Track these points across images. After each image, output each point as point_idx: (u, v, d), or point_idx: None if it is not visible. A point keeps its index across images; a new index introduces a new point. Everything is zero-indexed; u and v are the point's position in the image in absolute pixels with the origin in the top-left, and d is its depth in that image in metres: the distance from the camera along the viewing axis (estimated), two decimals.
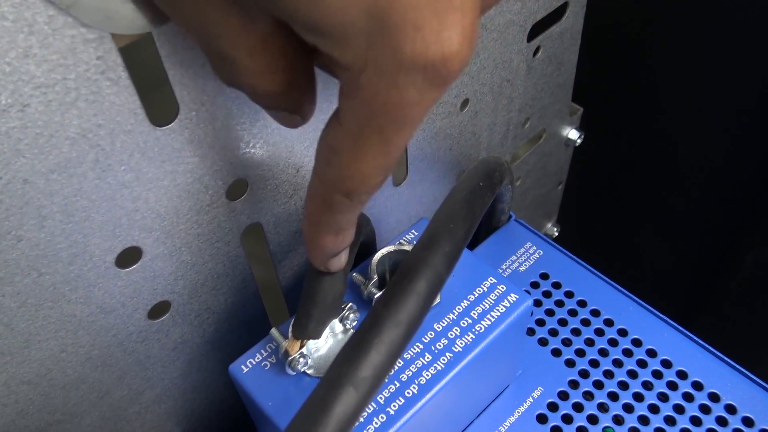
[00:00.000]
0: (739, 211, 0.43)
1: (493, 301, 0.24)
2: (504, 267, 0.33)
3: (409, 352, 0.23)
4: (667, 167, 0.45)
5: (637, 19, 0.40)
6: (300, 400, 0.22)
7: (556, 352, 0.30)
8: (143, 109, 0.17)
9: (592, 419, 0.27)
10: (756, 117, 0.39)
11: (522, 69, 0.32)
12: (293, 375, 0.22)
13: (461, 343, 0.23)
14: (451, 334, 0.23)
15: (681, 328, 0.30)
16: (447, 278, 0.18)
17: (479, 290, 0.24)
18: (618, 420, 0.27)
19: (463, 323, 0.23)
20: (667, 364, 0.29)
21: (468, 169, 0.23)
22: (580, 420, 0.27)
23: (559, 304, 0.32)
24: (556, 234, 0.49)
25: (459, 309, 0.24)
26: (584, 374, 0.29)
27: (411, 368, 0.22)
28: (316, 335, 0.22)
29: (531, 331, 0.30)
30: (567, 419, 0.28)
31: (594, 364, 0.29)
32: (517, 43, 0.30)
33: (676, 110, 0.42)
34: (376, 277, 0.24)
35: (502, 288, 0.24)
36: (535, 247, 0.34)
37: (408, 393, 0.22)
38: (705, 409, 0.27)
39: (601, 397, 0.28)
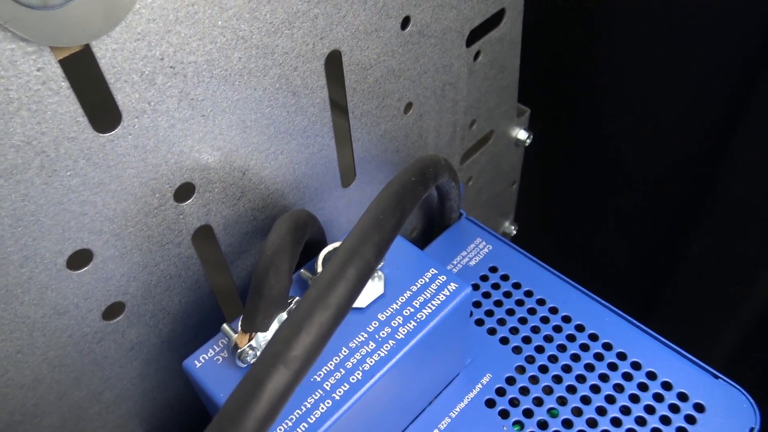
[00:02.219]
0: (686, 204, 0.45)
1: (434, 291, 0.25)
2: (455, 262, 0.35)
3: (354, 340, 0.24)
4: (617, 164, 0.47)
5: (578, 20, 0.43)
6: None
7: (504, 341, 0.31)
8: (86, 116, 0.19)
9: (538, 401, 0.29)
10: (696, 112, 0.41)
11: (464, 73, 0.33)
12: (244, 367, 0.23)
13: (403, 331, 0.24)
14: (394, 323, 0.24)
15: (621, 312, 0.32)
16: (376, 265, 0.19)
17: (421, 281, 0.26)
18: (562, 401, 0.29)
19: (406, 312, 0.25)
20: (607, 346, 0.31)
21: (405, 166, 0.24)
22: (526, 403, 0.29)
23: (507, 295, 0.33)
24: (514, 232, 0.51)
25: (402, 299, 0.25)
26: (530, 360, 0.30)
27: (356, 356, 0.24)
28: (264, 328, 0.23)
29: (480, 322, 0.32)
30: (514, 402, 0.29)
31: (539, 350, 0.31)
32: (456, 48, 0.31)
33: (621, 110, 0.44)
34: (320, 271, 0.25)
35: (443, 278, 0.26)
36: (484, 243, 0.36)
37: (353, 379, 0.23)
38: (643, 387, 0.29)
39: (546, 380, 0.30)
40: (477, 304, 0.33)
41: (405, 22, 0.27)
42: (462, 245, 0.35)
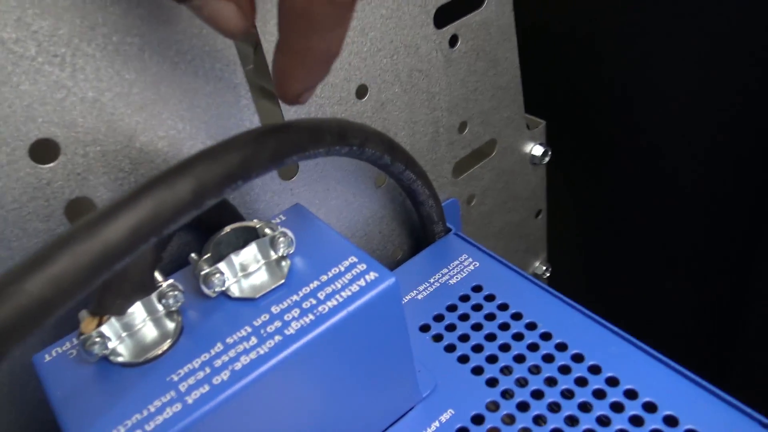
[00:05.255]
0: (752, 233, 0.37)
1: (346, 281, 0.20)
2: (432, 280, 0.29)
3: (234, 335, 0.19)
4: (668, 189, 0.40)
5: (596, 19, 0.37)
6: (95, 389, 0.18)
7: (477, 371, 0.25)
8: None
9: None
10: (755, 108, 0.34)
11: (437, 60, 0.29)
12: (95, 362, 0.19)
13: (296, 326, 0.19)
14: (288, 316, 0.19)
15: (635, 340, 0.24)
16: (192, 208, 0.15)
17: (335, 270, 0.20)
18: None
19: (306, 304, 0.19)
20: (613, 381, 0.23)
21: None
22: None
23: (490, 317, 0.27)
24: (548, 275, 0.43)
25: (306, 290, 0.20)
26: (508, 395, 0.24)
27: (229, 353, 0.18)
28: (116, 311, 0.18)
29: (450, 348, 0.26)
30: None
31: (521, 383, 0.24)
32: (421, 27, 0.27)
33: (666, 120, 0.38)
34: (210, 254, 0.20)
35: (362, 267, 0.20)
36: (470, 260, 0.30)
37: (216, 380, 0.18)
38: None
39: (524, 421, 0.22)
40: (450, 328, 0.26)
41: None
42: (444, 262, 0.30)
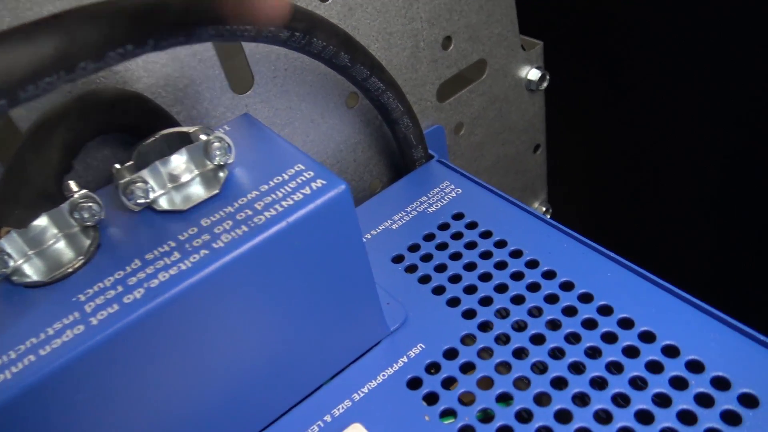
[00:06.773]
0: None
1: (289, 190, 0.17)
2: (408, 209, 0.26)
3: (154, 251, 0.16)
4: (683, 118, 0.36)
5: None
6: None
7: (453, 302, 0.22)
8: None
9: (485, 383, 0.19)
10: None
11: None
12: None
13: (226, 239, 0.16)
14: (219, 229, 0.16)
15: (628, 263, 0.21)
16: (82, 62, 0.12)
17: (277, 179, 0.18)
18: (522, 384, 0.19)
19: (240, 216, 0.17)
20: (607, 310, 0.20)
21: None
22: (467, 385, 0.19)
23: (471, 246, 0.24)
24: (548, 217, 0.40)
25: (242, 201, 0.17)
26: (485, 327, 0.21)
27: (147, 270, 0.16)
28: (16, 223, 0.16)
29: (425, 279, 0.23)
30: (449, 384, 0.19)
31: (502, 314, 0.21)
32: None
33: (671, 43, 0.34)
34: (133, 162, 0.18)
35: (309, 174, 0.18)
36: (452, 186, 0.27)
37: (127, 299, 0.15)
38: (680, 384, 0.18)
39: (503, 355, 0.20)
40: (426, 258, 0.24)
41: None
42: (423, 189, 0.27)
